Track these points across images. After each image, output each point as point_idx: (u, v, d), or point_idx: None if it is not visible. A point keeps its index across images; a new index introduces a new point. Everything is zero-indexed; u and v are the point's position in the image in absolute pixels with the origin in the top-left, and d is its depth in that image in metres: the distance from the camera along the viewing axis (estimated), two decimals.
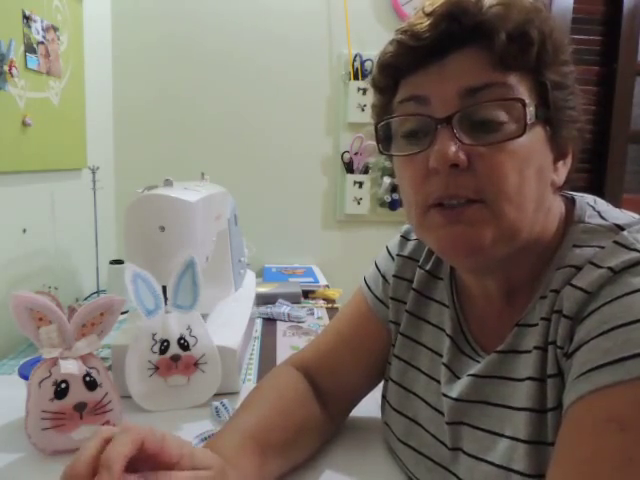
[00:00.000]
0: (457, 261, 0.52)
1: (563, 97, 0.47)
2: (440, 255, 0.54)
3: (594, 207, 0.50)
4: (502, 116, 0.44)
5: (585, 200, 0.52)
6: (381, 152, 0.53)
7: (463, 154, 0.44)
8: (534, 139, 0.46)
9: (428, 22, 0.45)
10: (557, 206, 0.52)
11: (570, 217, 0.50)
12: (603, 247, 0.44)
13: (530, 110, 0.44)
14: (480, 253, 0.46)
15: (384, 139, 0.52)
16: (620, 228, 0.46)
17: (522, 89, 0.45)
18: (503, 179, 0.44)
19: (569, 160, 0.51)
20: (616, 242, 0.44)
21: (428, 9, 0.46)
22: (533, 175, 0.46)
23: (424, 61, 0.46)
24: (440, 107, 0.46)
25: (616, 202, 0.50)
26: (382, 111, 0.53)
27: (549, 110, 0.46)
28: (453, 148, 0.44)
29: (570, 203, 0.53)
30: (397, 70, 0.49)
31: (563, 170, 0.50)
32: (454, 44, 0.45)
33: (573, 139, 0.50)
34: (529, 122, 0.44)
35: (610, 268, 0.42)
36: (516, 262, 0.50)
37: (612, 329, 0.39)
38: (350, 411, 0.71)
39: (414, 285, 0.63)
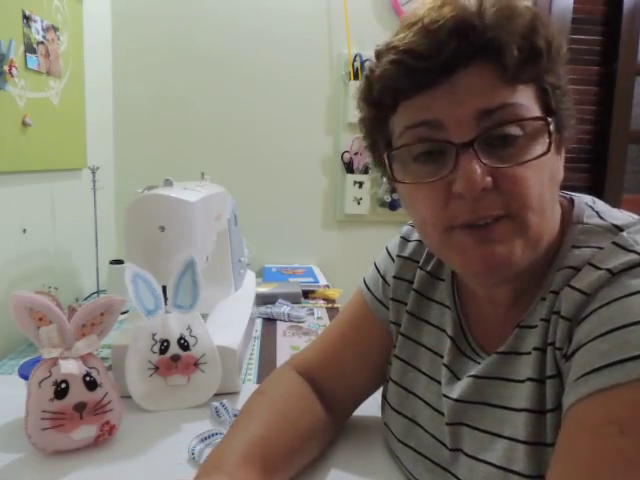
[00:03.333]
0: (486, 280, 0.49)
1: (560, 98, 0.47)
2: (467, 275, 0.51)
3: (593, 207, 0.50)
4: (521, 134, 0.44)
5: (584, 200, 0.52)
6: (395, 180, 0.50)
7: (488, 176, 0.44)
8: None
9: (433, 41, 0.43)
10: (557, 206, 0.52)
11: (569, 218, 0.50)
12: (602, 248, 0.44)
13: (552, 127, 0.44)
14: (511, 268, 0.46)
15: (391, 166, 0.50)
16: (618, 228, 0.46)
17: (532, 101, 0.45)
18: (527, 193, 0.44)
19: (562, 153, 0.51)
20: (615, 243, 0.44)
21: (429, 25, 0.43)
22: (548, 181, 0.46)
23: (430, 82, 0.44)
24: (457, 131, 0.44)
25: (616, 202, 0.51)
26: (376, 126, 0.52)
27: (555, 115, 0.46)
28: (479, 173, 0.43)
29: (569, 203, 0.53)
30: (398, 91, 0.46)
31: (561, 165, 0.50)
32: (461, 61, 0.43)
33: (570, 136, 0.50)
34: (552, 138, 0.44)
35: (608, 270, 0.42)
36: (527, 268, 0.49)
37: (610, 331, 0.39)
38: (353, 412, 0.71)
39: (415, 286, 0.63)
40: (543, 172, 0.45)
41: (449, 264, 0.53)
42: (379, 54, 0.48)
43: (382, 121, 0.50)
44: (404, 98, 0.47)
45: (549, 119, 0.44)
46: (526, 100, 0.44)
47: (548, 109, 0.46)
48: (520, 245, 0.45)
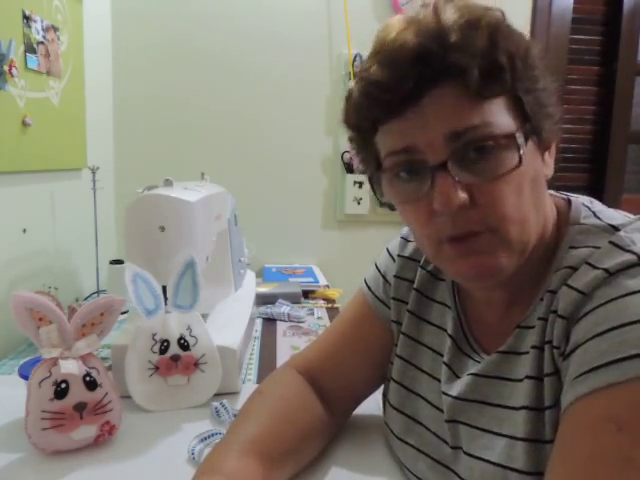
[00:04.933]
0: (480, 285, 0.52)
1: (537, 99, 0.47)
2: (461, 282, 0.55)
3: (590, 207, 0.51)
4: (494, 150, 0.45)
5: (581, 201, 0.52)
6: (381, 203, 0.54)
7: (464, 192, 0.45)
8: (526, 156, 0.46)
9: (395, 71, 0.45)
10: (550, 205, 0.52)
11: (566, 219, 0.51)
12: (599, 247, 0.45)
13: (520, 140, 0.45)
14: (501, 276, 0.48)
15: (379, 185, 0.52)
16: (615, 228, 0.46)
17: (502, 114, 0.45)
18: (505, 206, 0.45)
19: (553, 148, 0.51)
20: (612, 242, 0.44)
21: (392, 54, 0.45)
22: (529, 187, 0.46)
23: (399, 110, 0.46)
24: (430, 153, 0.46)
25: (616, 202, 0.51)
26: (363, 145, 0.53)
27: (531, 121, 0.46)
28: (454, 191, 0.44)
29: (566, 204, 0.53)
30: (373, 119, 0.49)
31: (550, 161, 0.51)
32: (425, 86, 0.45)
33: (554, 132, 0.50)
34: (522, 152, 0.44)
35: (605, 269, 0.42)
36: (520, 268, 0.50)
37: (607, 331, 0.39)
38: (353, 411, 0.71)
39: (415, 285, 0.63)
40: (521, 181, 0.46)
41: (445, 272, 0.55)
42: (356, 79, 0.50)
43: (367, 141, 0.52)
44: (380, 124, 0.49)
45: (517, 133, 0.45)
46: (495, 115, 0.45)
47: (523, 116, 0.46)
48: (504, 256, 0.46)
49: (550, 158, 0.51)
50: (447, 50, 0.44)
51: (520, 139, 0.45)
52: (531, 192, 0.47)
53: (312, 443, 0.62)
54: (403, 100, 0.45)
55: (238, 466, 0.51)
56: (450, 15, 0.45)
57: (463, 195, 0.45)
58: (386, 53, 0.46)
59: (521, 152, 0.44)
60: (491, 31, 0.44)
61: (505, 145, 0.45)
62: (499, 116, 0.45)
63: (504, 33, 0.45)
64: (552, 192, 0.55)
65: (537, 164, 0.48)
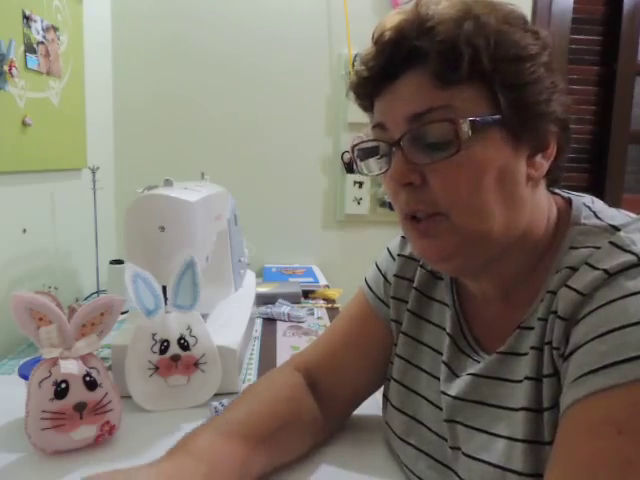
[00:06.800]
0: (435, 267, 0.56)
1: (525, 95, 0.46)
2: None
3: (590, 207, 0.51)
4: (445, 134, 0.46)
5: (582, 201, 0.52)
6: (355, 172, 0.57)
7: (416, 173, 0.47)
8: (486, 145, 0.46)
9: (374, 51, 0.49)
10: (546, 203, 0.52)
11: (567, 219, 0.51)
12: (599, 247, 0.45)
13: (463, 127, 0.45)
14: (450, 260, 0.49)
15: (358, 159, 0.55)
16: (615, 228, 0.46)
17: (472, 102, 0.46)
18: (455, 191, 0.46)
19: (552, 152, 0.50)
20: (612, 243, 0.44)
21: (375, 38, 0.49)
22: (493, 179, 0.46)
23: (379, 87, 0.50)
24: (394, 131, 0.49)
25: (616, 202, 0.51)
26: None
27: (503, 113, 0.46)
28: (404, 169, 0.47)
29: (567, 204, 0.53)
30: (365, 95, 0.53)
31: (543, 162, 0.50)
32: (400, 68, 0.48)
33: (551, 132, 0.49)
34: (465, 137, 0.45)
35: (605, 270, 0.42)
36: (505, 261, 0.51)
37: (607, 332, 0.39)
38: (353, 411, 0.71)
39: (415, 284, 0.63)
40: (479, 171, 0.46)
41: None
42: None
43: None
44: (373, 98, 0.52)
45: (461, 120, 0.45)
46: (463, 101, 0.46)
47: (496, 106, 0.46)
48: (453, 241, 0.48)
49: (545, 160, 0.49)
50: (418, 36, 0.46)
51: (464, 125, 0.45)
52: (496, 185, 0.46)
53: (294, 434, 0.61)
54: (380, 79, 0.49)
55: (210, 446, 0.52)
56: (434, 7, 0.47)
57: (413, 175, 0.47)
58: (374, 37, 0.50)
59: (461, 137, 0.45)
60: (461, 22, 0.45)
61: (451, 130, 0.45)
62: (467, 102, 0.46)
63: (476, 25, 0.45)
64: (556, 190, 0.55)
65: (508, 160, 0.47)
